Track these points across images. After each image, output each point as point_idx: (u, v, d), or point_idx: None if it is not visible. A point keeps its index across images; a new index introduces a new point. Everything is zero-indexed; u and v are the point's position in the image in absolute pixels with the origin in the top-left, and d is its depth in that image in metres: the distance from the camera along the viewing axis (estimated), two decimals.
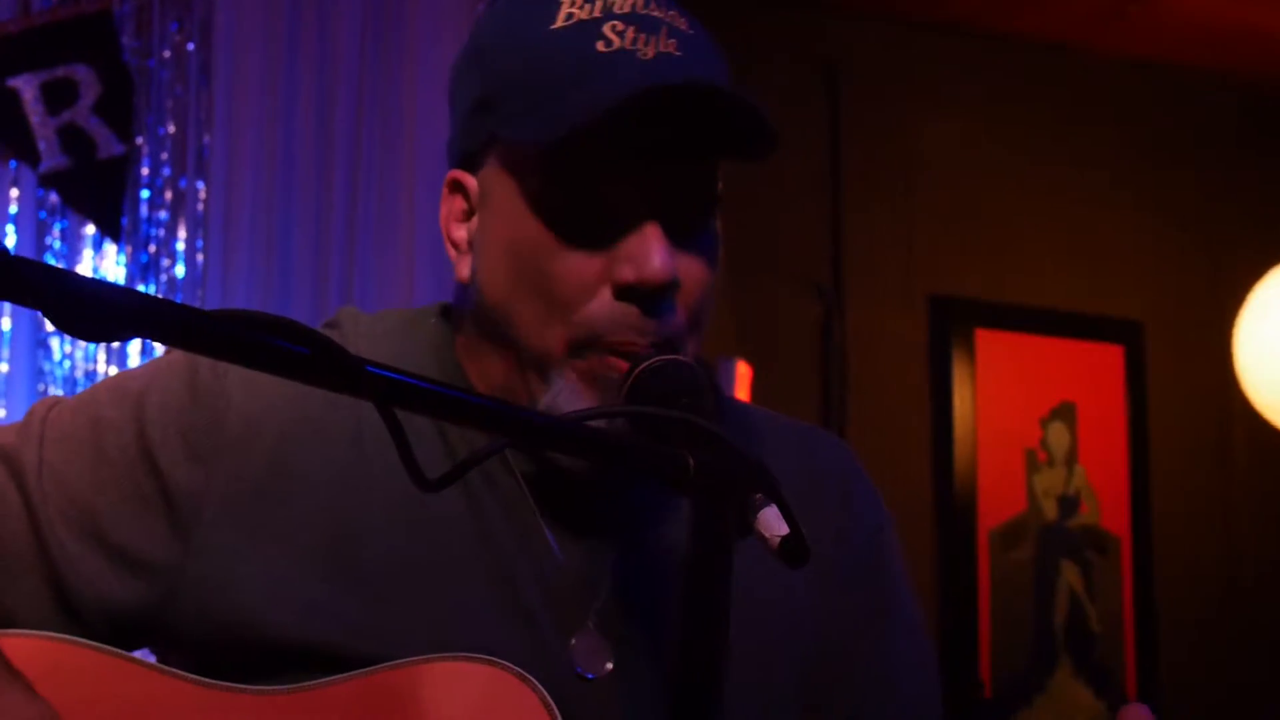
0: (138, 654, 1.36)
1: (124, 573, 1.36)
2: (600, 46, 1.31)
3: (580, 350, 1.33)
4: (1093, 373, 4.96)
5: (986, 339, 4.80)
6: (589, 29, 1.32)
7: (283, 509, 1.35)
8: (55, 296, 0.86)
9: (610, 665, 1.35)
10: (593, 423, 1.14)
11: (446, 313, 1.50)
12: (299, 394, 1.36)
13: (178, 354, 1.42)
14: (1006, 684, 4.66)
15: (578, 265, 1.32)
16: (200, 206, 3.91)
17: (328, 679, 1.29)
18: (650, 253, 1.30)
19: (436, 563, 1.35)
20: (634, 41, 1.31)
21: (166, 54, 3.92)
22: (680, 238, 1.34)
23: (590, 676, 1.34)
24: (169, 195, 3.89)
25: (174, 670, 1.33)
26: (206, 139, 3.93)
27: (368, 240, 4.02)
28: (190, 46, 3.95)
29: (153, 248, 3.87)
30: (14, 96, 3.75)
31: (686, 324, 1.35)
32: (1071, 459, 4.88)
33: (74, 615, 1.36)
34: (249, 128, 3.98)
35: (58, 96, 3.78)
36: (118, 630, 1.36)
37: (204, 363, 1.39)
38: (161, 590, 1.35)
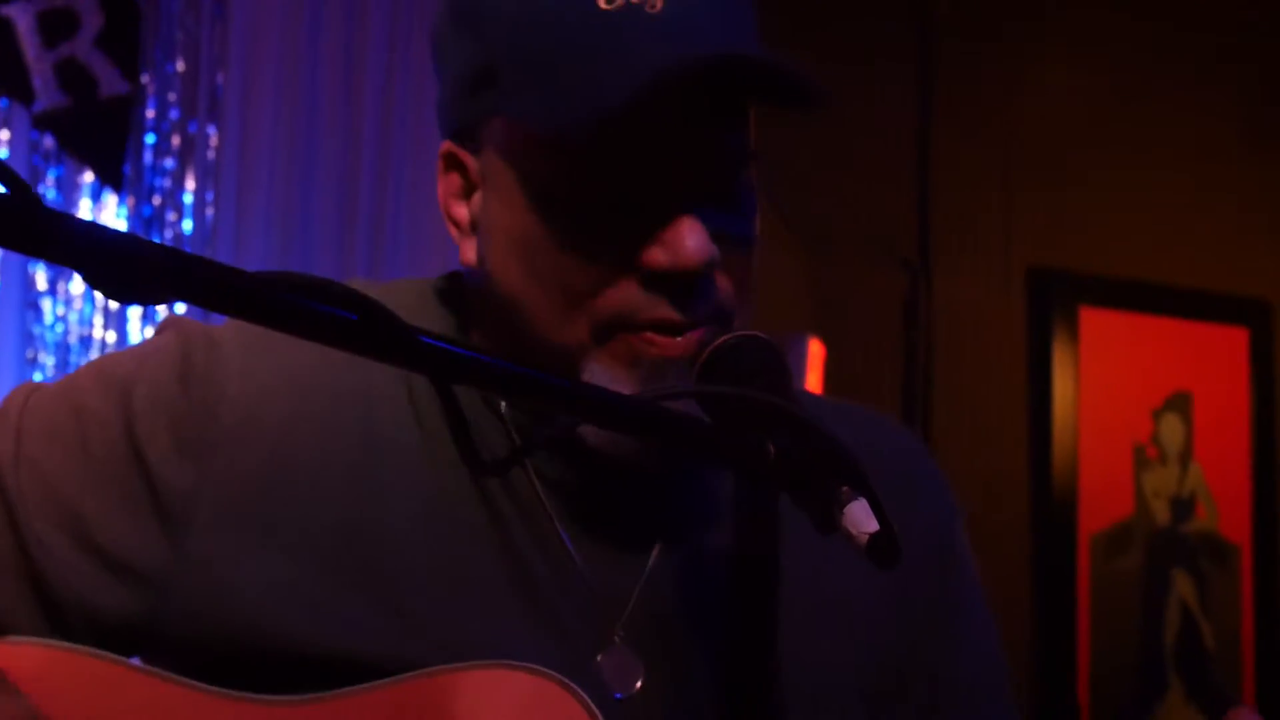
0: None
1: (111, 578, 1.38)
2: (602, 2, 1.30)
3: (607, 334, 1.34)
4: (1212, 358, 4.94)
5: (1092, 318, 4.79)
6: None
7: (284, 508, 1.37)
8: (93, 255, 0.89)
9: (640, 683, 1.38)
10: (669, 404, 1.16)
11: (447, 291, 1.52)
12: (301, 386, 1.40)
13: (169, 336, 1.44)
14: (1108, 709, 4.65)
15: (599, 252, 1.32)
16: (211, 154, 3.94)
17: (354, 688, 1.31)
18: (683, 234, 1.30)
19: (457, 571, 1.37)
20: None
21: None
22: (714, 202, 1.34)
23: (618, 696, 1.37)
24: (177, 140, 3.92)
25: (184, 679, 1.34)
26: (220, 78, 3.95)
27: (399, 194, 4.04)
28: None
29: (157, 199, 3.89)
30: (7, 26, 3.77)
31: (734, 296, 1.36)
32: (1186, 456, 4.86)
33: (59, 621, 1.38)
34: (268, 66, 3.99)
35: (56, 27, 3.80)
36: (105, 638, 1.38)
37: (197, 347, 1.41)
38: (152, 598, 1.37)
